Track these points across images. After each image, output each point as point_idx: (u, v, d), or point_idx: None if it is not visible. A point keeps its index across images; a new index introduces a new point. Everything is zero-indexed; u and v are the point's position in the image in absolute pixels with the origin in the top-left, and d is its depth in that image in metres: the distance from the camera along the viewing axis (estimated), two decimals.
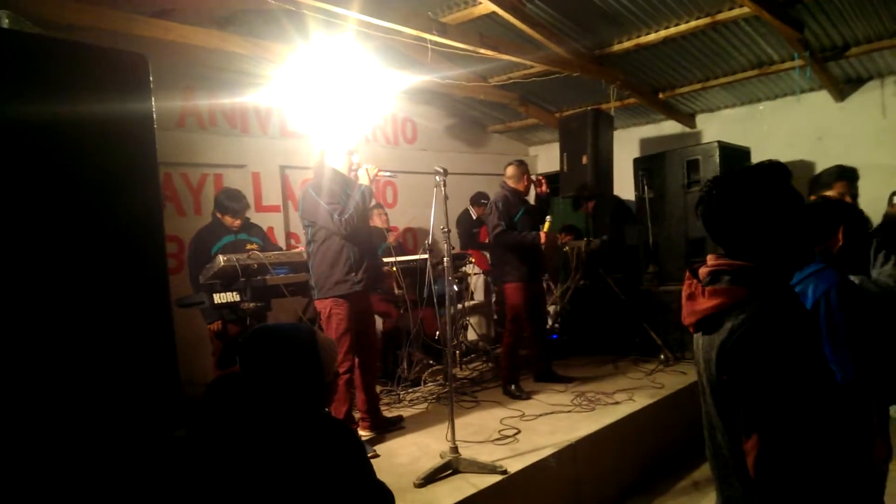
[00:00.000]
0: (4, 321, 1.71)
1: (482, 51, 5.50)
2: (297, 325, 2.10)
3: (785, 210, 1.57)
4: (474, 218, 7.79)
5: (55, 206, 1.85)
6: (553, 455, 3.80)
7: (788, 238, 1.58)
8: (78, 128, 1.93)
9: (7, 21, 1.95)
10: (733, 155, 6.64)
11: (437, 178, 3.84)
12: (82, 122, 1.93)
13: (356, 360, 4.18)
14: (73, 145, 1.92)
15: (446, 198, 3.84)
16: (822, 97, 7.07)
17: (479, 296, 7.47)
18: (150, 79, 2.14)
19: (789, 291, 1.63)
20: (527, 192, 5.54)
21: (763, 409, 1.45)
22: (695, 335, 1.70)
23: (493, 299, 7.41)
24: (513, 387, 5.19)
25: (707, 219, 1.66)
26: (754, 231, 1.57)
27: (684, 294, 1.70)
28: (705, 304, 1.58)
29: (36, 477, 1.76)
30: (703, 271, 1.67)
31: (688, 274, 1.73)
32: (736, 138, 7.12)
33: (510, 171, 5.50)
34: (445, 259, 3.80)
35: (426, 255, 5.25)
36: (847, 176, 3.68)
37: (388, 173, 4.22)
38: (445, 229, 3.81)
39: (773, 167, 1.63)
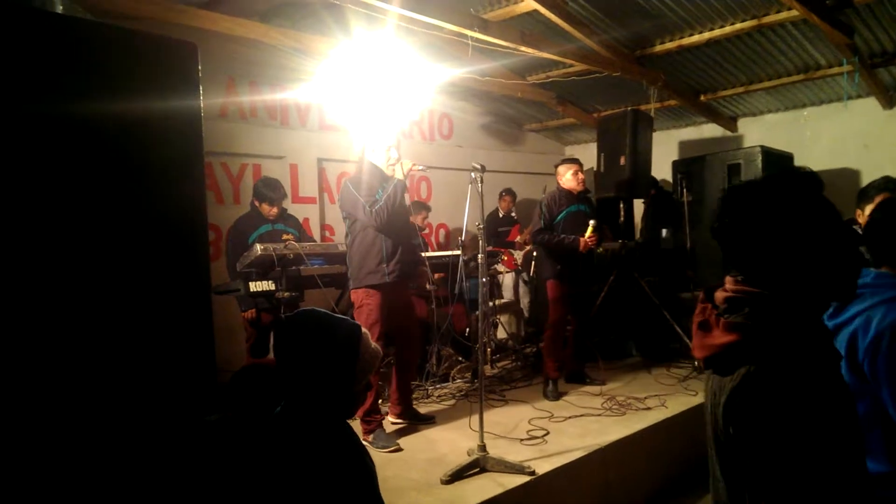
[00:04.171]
0: (53, 304, 1.75)
1: (523, 48, 5.46)
2: (345, 320, 1.94)
3: (807, 229, 1.33)
4: (501, 216, 7.76)
5: (101, 195, 1.87)
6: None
7: (810, 263, 1.32)
8: (127, 113, 1.95)
9: (61, 7, 1.99)
10: (776, 160, 6.51)
11: (473, 174, 3.83)
12: (132, 108, 1.96)
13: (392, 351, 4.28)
14: (123, 131, 1.94)
15: (482, 195, 3.82)
16: (870, 104, 6.90)
17: (507, 294, 7.43)
18: (199, 67, 2.17)
19: (818, 335, 1.37)
20: (578, 191, 5.39)
21: (772, 482, 1.26)
22: (706, 371, 1.48)
23: (528, 298, 7.36)
24: (550, 386, 5.15)
25: (719, 235, 1.43)
26: (769, 252, 1.35)
27: (695, 320, 1.47)
28: (720, 338, 1.36)
29: (76, 452, 1.79)
30: (719, 296, 1.44)
31: (702, 296, 1.51)
32: (778, 143, 6.97)
33: (560, 169, 5.42)
34: (480, 256, 3.79)
35: (458, 252, 5.25)
36: (892, 188, 3.47)
37: (420, 167, 4.22)
38: (481, 226, 3.80)
39: (798, 176, 1.39)
